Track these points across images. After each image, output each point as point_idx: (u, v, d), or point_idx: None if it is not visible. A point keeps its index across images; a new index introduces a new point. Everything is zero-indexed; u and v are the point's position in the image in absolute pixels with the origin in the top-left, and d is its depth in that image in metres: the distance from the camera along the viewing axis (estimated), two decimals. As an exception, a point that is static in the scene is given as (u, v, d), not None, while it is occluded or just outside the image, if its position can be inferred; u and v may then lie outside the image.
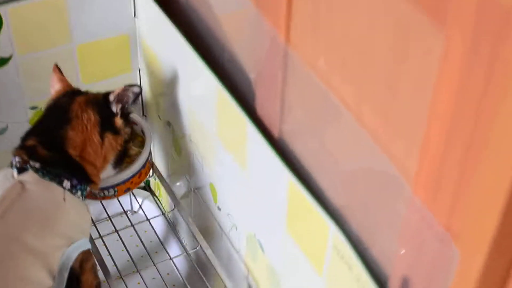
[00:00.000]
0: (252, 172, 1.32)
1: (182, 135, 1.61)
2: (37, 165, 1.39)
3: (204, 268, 1.64)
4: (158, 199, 1.93)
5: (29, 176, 1.37)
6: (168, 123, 1.68)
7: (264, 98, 1.26)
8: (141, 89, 1.47)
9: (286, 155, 1.21)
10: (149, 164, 1.64)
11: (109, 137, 1.47)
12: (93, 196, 1.59)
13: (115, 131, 1.48)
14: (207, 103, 1.41)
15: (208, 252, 1.55)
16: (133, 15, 1.67)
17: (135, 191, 1.93)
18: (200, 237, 1.58)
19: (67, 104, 1.46)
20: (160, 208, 1.85)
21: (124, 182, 1.58)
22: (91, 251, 1.46)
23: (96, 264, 1.50)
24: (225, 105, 1.34)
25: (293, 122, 1.19)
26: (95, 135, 1.44)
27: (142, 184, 1.80)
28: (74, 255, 1.36)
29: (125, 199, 1.92)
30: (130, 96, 1.47)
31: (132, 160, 1.60)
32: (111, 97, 1.47)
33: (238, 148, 1.34)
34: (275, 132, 1.24)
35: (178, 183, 1.73)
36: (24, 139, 1.43)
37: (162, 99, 1.68)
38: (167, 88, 1.60)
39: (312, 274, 1.20)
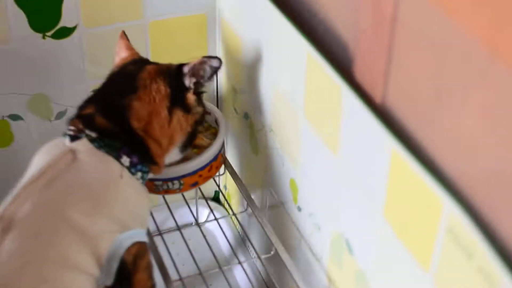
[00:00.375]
0: (344, 155, 1.10)
1: (261, 126, 1.41)
2: (93, 134, 1.19)
3: (278, 276, 1.40)
4: (227, 211, 1.72)
5: (83, 145, 1.18)
6: (246, 116, 1.48)
7: (365, 59, 1.04)
8: (221, 62, 1.27)
9: (390, 124, 0.98)
10: (221, 158, 1.43)
11: (178, 114, 1.26)
12: (155, 189, 1.38)
13: (186, 109, 1.27)
14: (295, 75, 1.21)
15: (284, 256, 1.31)
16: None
17: (202, 203, 1.73)
18: (275, 239, 1.35)
19: (134, 72, 1.27)
20: (229, 218, 1.62)
21: (191, 174, 1.38)
22: (147, 247, 1.24)
23: (152, 264, 1.27)
24: (315, 73, 1.13)
25: (403, 82, 0.97)
26: (163, 109, 1.24)
27: (210, 193, 1.60)
28: (127, 244, 1.15)
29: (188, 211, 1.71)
30: (208, 70, 1.27)
31: (201, 152, 1.39)
32: (186, 69, 1.27)
33: (329, 127, 1.13)
34: (377, 98, 1.02)
35: (252, 184, 1.51)
36: (81, 107, 1.24)
37: (240, 87, 1.48)
38: (248, 72, 1.41)
39: (415, 270, 0.97)
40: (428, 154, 0.92)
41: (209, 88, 1.61)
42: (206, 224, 1.73)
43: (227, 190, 1.74)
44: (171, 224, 1.67)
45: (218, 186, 1.71)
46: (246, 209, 1.51)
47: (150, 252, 1.27)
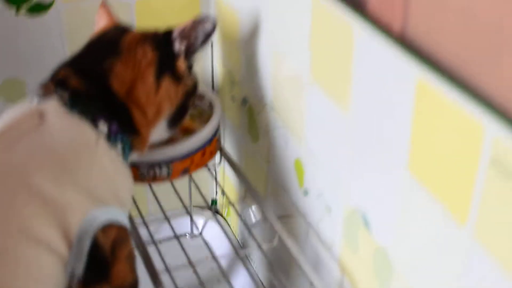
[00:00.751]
0: (357, 109, 0.94)
1: (261, 108, 1.24)
2: (65, 94, 1.03)
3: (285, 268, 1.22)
4: (226, 221, 1.54)
5: (52, 106, 1.01)
6: (244, 101, 1.32)
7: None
8: (215, 25, 1.11)
9: (413, 52, 0.82)
10: (216, 143, 1.26)
11: (167, 81, 1.09)
12: (140, 177, 1.21)
13: (176, 77, 1.11)
14: (299, 31, 1.05)
15: (291, 245, 1.13)
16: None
17: (197, 211, 1.55)
18: (278, 227, 1.16)
19: (117, 36, 1.11)
20: (226, 231, 1.44)
21: (182, 157, 1.21)
22: (129, 234, 1.06)
23: (135, 256, 1.08)
24: (322, 18, 0.97)
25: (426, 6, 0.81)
26: (149, 75, 1.08)
27: (207, 202, 1.42)
28: (102, 220, 0.97)
29: (183, 221, 1.53)
30: (200, 34, 1.10)
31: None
32: (175, 33, 1.11)
33: (338, 80, 0.97)
34: (396, 29, 0.85)
35: (253, 175, 1.34)
36: (55, 71, 1.08)
37: (238, 69, 1.32)
38: (246, 50, 1.26)
39: (448, 227, 0.79)
40: (461, 80, 0.75)
41: (204, 77, 1.46)
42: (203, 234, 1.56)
43: (224, 197, 1.56)
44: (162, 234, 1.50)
45: (216, 192, 1.54)
46: (244, 197, 1.32)
47: (133, 243, 1.09)
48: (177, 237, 1.30)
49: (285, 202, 1.22)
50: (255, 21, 1.20)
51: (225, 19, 1.32)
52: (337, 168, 1.03)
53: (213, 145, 1.25)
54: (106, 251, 1.00)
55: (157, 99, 1.09)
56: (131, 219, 1.17)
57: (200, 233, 1.55)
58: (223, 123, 1.44)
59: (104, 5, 1.19)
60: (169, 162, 1.20)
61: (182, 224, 1.53)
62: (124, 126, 1.05)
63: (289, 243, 1.13)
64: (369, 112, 0.92)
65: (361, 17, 0.89)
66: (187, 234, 1.55)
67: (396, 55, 0.83)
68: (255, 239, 1.20)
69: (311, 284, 1.08)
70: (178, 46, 1.10)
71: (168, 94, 1.10)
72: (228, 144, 1.44)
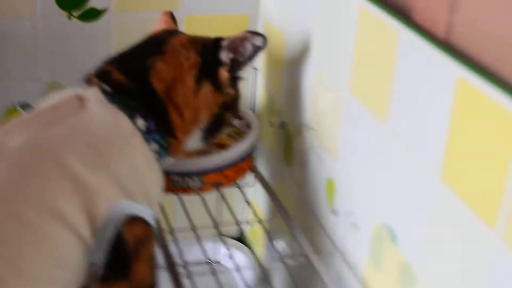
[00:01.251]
0: (394, 117, 0.93)
1: (299, 129, 1.24)
2: (107, 88, 1.04)
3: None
4: (253, 251, 1.52)
5: (94, 95, 1.02)
6: (283, 125, 1.32)
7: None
8: (265, 41, 1.11)
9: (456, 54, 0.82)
10: (250, 161, 1.26)
11: (207, 87, 1.10)
12: (172, 186, 1.21)
13: (217, 85, 1.11)
14: (343, 45, 1.06)
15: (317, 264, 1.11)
16: (257, -9, 1.37)
17: (225, 238, 1.54)
18: (304, 243, 1.14)
19: (165, 37, 1.12)
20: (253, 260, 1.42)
21: (215, 170, 1.20)
22: (153, 236, 1.05)
23: (156, 260, 1.07)
24: (368, 27, 0.98)
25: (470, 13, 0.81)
26: (189, 77, 1.08)
27: (235, 232, 1.40)
28: (129, 212, 0.97)
29: (209, 247, 1.51)
30: (249, 48, 1.11)
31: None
32: (224, 42, 1.11)
33: (378, 89, 0.97)
34: (440, 33, 0.86)
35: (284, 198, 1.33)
36: (99, 66, 1.09)
37: (279, 93, 1.33)
38: (290, 72, 1.26)
39: (477, 230, 0.77)
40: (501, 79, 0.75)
41: (245, 100, 1.46)
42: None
43: (253, 227, 1.55)
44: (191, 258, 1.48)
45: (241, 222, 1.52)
46: (272, 216, 1.30)
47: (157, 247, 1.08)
48: (210, 262, 1.26)
49: (313, 221, 1.21)
50: (301, 45, 1.21)
51: (272, 42, 1.34)
52: (368, 183, 1.03)
53: (247, 163, 1.25)
54: (130, 247, 1.00)
55: (195, 102, 1.09)
56: (161, 234, 1.16)
57: (228, 262, 1.54)
58: (259, 148, 1.44)
59: (167, 13, 1.21)
60: (201, 173, 1.20)
61: (209, 249, 1.51)
62: (161, 127, 1.05)
63: (314, 259, 1.11)
64: (406, 119, 0.91)
65: (406, 24, 0.90)
66: (212, 262, 1.53)
67: (437, 57, 0.83)
68: (280, 256, 1.18)
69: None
70: (225, 55, 1.11)
71: (207, 100, 1.10)
72: (262, 169, 1.44)
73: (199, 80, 1.09)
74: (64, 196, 0.92)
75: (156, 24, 1.19)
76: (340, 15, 1.07)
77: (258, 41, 1.11)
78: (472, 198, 0.79)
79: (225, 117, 1.14)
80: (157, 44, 1.11)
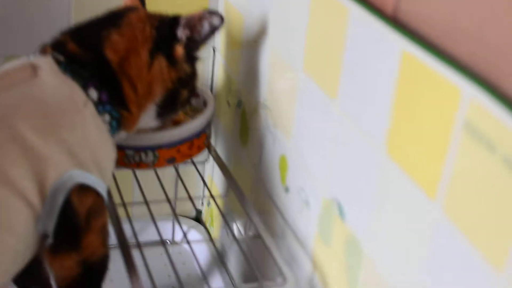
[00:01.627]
0: (344, 94, 0.94)
1: (254, 108, 1.25)
2: (60, 57, 1.04)
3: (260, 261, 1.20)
4: (208, 231, 1.53)
5: (46, 63, 1.02)
6: (239, 104, 1.33)
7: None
8: (222, 21, 1.11)
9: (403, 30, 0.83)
10: (205, 138, 1.27)
11: (161, 61, 1.10)
12: (125, 161, 1.21)
13: (171, 60, 1.11)
14: (296, 25, 1.07)
15: (269, 242, 1.12)
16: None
17: (181, 219, 1.54)
18: (256, 220, 1.15)
19: (123, 12, 1.12)
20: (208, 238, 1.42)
21: (169, 146, 1.21)
22: (105, 207, 1.05)
23: (108, 231, 1.07)
24: (320, 6, 0.99)
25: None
26: (143, 50, 1.09)
27: (192, 212, 1.41)
28: (79, 180, 0.97)
29: (165, 226, 1.52)
30: (206, 27, 1.11)
31: (182, 126, 1.23)
32: (182, 20, 1.11)
33: (330, 67, 0.98)
34: (388, 9, 0.87)
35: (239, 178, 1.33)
36: (55, 37, 1.09)
37: (237, 74, 1.33)
38: (248, 51, 1.27)
39: (419, 202, 0.79)
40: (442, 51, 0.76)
41: (204, 81, 1.47)
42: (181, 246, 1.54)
43: (210, 207, 1.56)
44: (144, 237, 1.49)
45: (202, 202, 1.53)
46: (226, 193, 1.31)
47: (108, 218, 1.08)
48: (162, 242, 1.26)
49: (266, 199, 1.22)
50: (259, 26, 1.22)
51: (231, 22, 1.34)
52: (318, 160, 1.04)
53: (201, 140, 1.25)
54: (80, 217, 1.00)
55: (148, 76, 1.09)
56: (115, 212, 1.16)
57: (183, 240, 1.54)
58: (216, 127, 1.44)
59: None
60: (155, 149, 1.20)
61: (164, 229, 1.52)
62: (114, 99, 1.05)
63: (264, 235, 1.12)
64: (355, 95, 0.92)
65: (356, 0, 0.91)
66: (168, 241, 1.54)
67: (385, 32, 0.84)
68: (232, 232, 1.19)
69: (283, 277, 1.07)
70: (182, 32, 1.11)
71: (161, 75, 1.10)
72: (219, 148, 1.44)
73: (153, 54, 1.09)
74: (13, 161, 0.91)
75: (123, 2, 1.19)
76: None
77: (215, 20, 1.11)
78: (415, 171, 0.80)
79: (181, 93, 1.14)
80: (114, 18, 1.11)
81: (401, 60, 0.81)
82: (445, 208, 0.75)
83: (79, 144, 0.99)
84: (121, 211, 1.19)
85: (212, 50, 1.44)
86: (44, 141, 0.94)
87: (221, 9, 1.40)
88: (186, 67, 1.13)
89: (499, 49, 0.69)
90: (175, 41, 1.11)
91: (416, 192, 0.80)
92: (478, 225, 0.71)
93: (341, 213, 0.97)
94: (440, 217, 0.76)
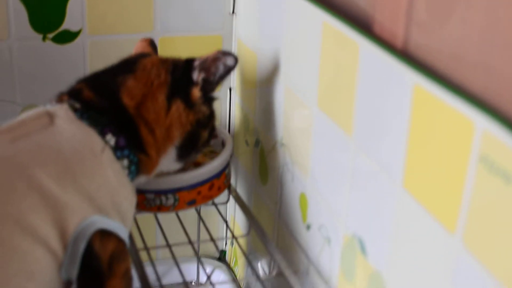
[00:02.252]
0: (359, 130, 0.94)
1: (271, 147, 1.25)
2: (77, 104, 1.05)
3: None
4: (233, 271, 1.52)
5: (63, 111, 1.03)
6: (257, 142, 1.33)
7: (385, 9, 0.91)
8: (236, 61, 1.12)
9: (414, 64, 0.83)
10: (225, 178, 1.26)
11: (178, 104, 1.10)
12: (146, 205, 1.21)
13: (189, 103, 1.12)
14: (309, 62, 1.07)
15: (292, 280, 1.11)
16: (231, 11, 1.38)
17: (204, 260, 1.54)
18: (278, 257, 1.15)
19: (137, 58, 1.14)
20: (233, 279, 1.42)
21: (188, 188, 1.21)
22: (128, 252, 1.05)
23: (132, 276, 1.07)
24: (331, 42, 1.00)
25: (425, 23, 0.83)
26: (160, 95, 1.09)
27: (216, 253, 1.41)
28: (101, 226, 0.97)
29: (189, 268, 1.52)
30: (220, 68, 1.12)
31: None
32: (196, 63, 1.12)
33: (343, 104, 0.98)
34: (398, 44, 0.87)
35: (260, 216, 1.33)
36: (71, 85, 1.10)
37: (254, 112, 1.34)
38: (262, 91, 1.27)
39: (439, 236, 0.78)
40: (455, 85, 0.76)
41: (221, 121, 1.48)
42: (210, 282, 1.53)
43: (233, 247, 1.55)
44: (168, 280, 1.49)
45: (225, 243, 1.53)
46: (248, 233, 1.30)
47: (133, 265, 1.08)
48: (185, 284, 1.26)
49: (289, 237, 1.21)
50: (272, 64, 1.23)
51: (245, 61, 1.35)
52: (337, 196, 1.03)
53: (221, 180, 1.25)
54: (103, 262, 1.00)
55: (167, 120, 1.09)
56: (137, 257, 1.16)
57: (207, 281, 1.53)
58: (236, 167, 1.45)
59: (146, 40, 1.22)
60: (175, 191, 1.20)
61: (189, 271, 1.51)
62: (132, 143, 1.06)
63: (288, 273, 1.11)
64: (369, 130, 0.92)
65: (366, 36, 0.91)
66: (193, 282, 1.54)
67: (396, 67, 0.84)
68: (255, 271, 1.18)
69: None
70: (197, 75, 1.12)
71: (179, 118, 1.11)
72: (239, 188, 1.44)
73: (170, 98, 1.10)
74: (33, 209, 0.92)
75: (133, 50, 1.21)
76: (306, 31, 1.08)
77: (229, 60, 1.12)
78: (433, 204, 0.80)
79: (201, 134, 1.15)
80: (128, 64, 1.12)
81: (413, 94, 0.80)
82: (466, 241, 0.74)
83: (98, 190, 0.99)
84: (145, 255, 1.19)
85: (229, 90, 1.44)
86: (62, 188, 0.95)
87: (234, 49, 1.41)
88: (203, 109, 1.14)
89: (508, 79, 0.68)
90: (191, 84, 1.12)
91: (435, 225, 0.79)
92: (498, 257, 0.70)
93: (363, 249, 0.97)
94: (461, 251, 0.75)
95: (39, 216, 0.92)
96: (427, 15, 0.82)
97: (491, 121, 0.69)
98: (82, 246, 0.95)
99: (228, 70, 1.13)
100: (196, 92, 1.12)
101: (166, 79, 1.10)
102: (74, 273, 0.96)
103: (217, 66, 1.12)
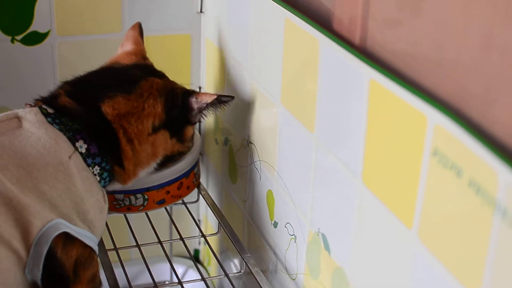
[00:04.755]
0: (321, 128, 0.95)
1: (240, 145, 1.26)
2: (49, 109, 1.04)
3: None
4: (206, 270, 1.53)
5: (32, 115, 1.03)
6: (226, 141, 1.33)
7: (343, 7, 0.91)
8: (232, 100, 1.16)
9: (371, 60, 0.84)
10: (194, 177, 1.27)
11: (165, 134, 1.13)
12: (115, 205, 1.21)
13: (180, 138, 1.15)
14: (273, 58, 1.07)
15: (260, 278, 1.12)
16: (199, 10, 1.39)
17: (177, 260, 1.54)
18: (246, 256, 1.15)
19: (137, 77, 1.13)
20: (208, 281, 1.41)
21: (158, 187, 1.21)
22: (96, 258, 1.04)
23: (101, 283, 1.07)
24: (293, 38, 1.00)
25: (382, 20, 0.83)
26: (147, 121, 1.10)
27: (188, 251, 1.40)
28: (59, 230, 0.96)
29: (162, 268, 1.52)
30: (217, 107, 1.15)
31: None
32: (195, 105, 1.14)
33: (306, 100, 0.98)
34: (356, 40, 0.88)
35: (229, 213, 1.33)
36: (52, 90, 1.10)
37: (222, 111, 1.34)
38: (231, 88, 1.27)
39: (398, 232, 0.78)
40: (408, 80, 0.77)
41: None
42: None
43: (206, 246, 1.55)
44: (142, 280, 1.48)
45: (199, 242, 1.53)
46: (218, 231, 1.30)
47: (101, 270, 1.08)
48: (155, 285, 1.25)
49: (257, 235, 1.22)
50: (239, 62, 1.23)
51: (214, 60, 1.36)
52: (302, 193, 1.04)
53: (190, 179, 1.25)
54: (66, 268, 0.99)
55: (149, 138, 1.10)
56: (106, 257, 1.16)
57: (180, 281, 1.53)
58: (207, 166, 1.45)
59: (136, 28, 1.22)
60: (144, 191, 1.20)
61: (163, 270, 1.51)
62: (107, 151, 1.06)
63: (256, 271, 1.11)
64: (331, 127, 0.93)
65: (326, 33, 0.92)
66: (167, 282, 1.54)
67: (353, 62, 0.84)
68: (224, 271, 1.19)
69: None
70: (196, 117, 1.15)
71: (164, 143, 1.13)
72: (211, 186, 1.45)
73: (156, 129, 1.11)
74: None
75: (124, 40, 1.21)
76: (269, 29, 1.09)
77: (227, 102, 1.15)
78: (391, 200, 0.80)
79: (177, 158, 1.19)
80: (128, 83, 1.11)
81: (370, 89, 0.81)
82: (420, 236, 0.75)
83: (59, 196, 0.98)
84: (117, 257, 1.19)
85: (199, 89, 1.44)
86: (24, 193, 0.94)
87: (202, 47, 1.41)
88: (191, 144, 1.18)
89: (459, 73, 0.69)
90: (185, 123, 1.14)
91: (394, 220, 0.79)
92: (452, 250, 0.70)
93: (326, 245, 0.97)
94: (418, 245, 0.75)
95: (0, 217, 0.92)
96: (383, 14, 0.83)
97: (443, 116, 0.69)
98: (44, 250, 0.94)
99: (222, 105, 1.15)
100: (190, 130, 1.15)
101: (161, 115, 1.11)
102: (38, 275, 0.95)
103: (215, 107, 1.14)
